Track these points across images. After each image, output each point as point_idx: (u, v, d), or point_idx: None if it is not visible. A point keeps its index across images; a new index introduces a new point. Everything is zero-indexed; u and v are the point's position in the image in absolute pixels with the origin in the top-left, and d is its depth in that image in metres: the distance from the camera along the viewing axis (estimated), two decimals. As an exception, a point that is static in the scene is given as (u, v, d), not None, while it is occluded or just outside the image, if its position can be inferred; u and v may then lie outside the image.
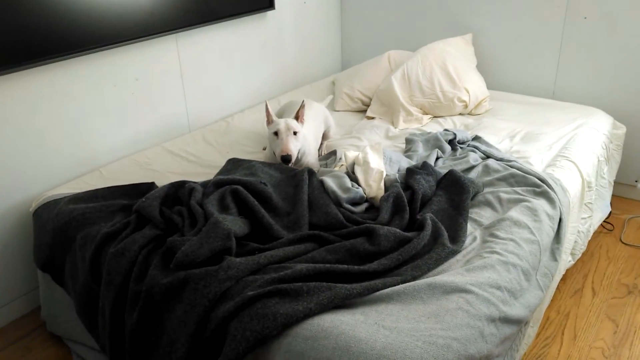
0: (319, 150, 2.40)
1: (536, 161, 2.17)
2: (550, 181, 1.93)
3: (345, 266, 1.47)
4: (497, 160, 2.12)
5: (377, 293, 1.40)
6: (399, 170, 2.05)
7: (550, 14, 2.85)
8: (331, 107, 2.97)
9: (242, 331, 1.30)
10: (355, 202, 1.84)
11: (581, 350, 1.94)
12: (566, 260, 2.08)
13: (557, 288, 2.19)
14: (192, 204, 1.74)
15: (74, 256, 1.80)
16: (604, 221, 2.61)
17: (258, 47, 3.03)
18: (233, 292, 1.41)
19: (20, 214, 2.13)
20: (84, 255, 1.74)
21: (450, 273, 1.48)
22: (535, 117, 2.63)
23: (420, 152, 2.24)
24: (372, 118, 2.82)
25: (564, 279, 2.26)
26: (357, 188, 1.86)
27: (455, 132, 2.36)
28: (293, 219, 1.72)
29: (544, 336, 2.00)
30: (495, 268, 1.50)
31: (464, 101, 2.72)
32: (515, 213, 1.75)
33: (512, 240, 1.62)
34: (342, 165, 2.09)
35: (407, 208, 1.75)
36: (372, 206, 1.86)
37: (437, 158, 2.18)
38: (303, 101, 2.14)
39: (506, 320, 1.40)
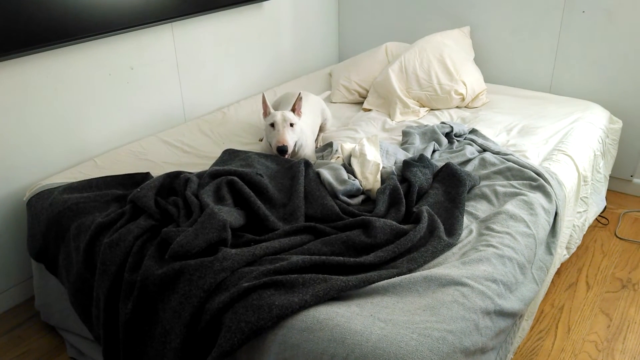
0: (315, 142, 2.39)
1: (533, 155, 2.17)
2: (546, 175, 1.93)
3: (341, 258, 1.47)
4: (493, 153, 2.12)
5: (373, 285, 1.39)
6: (395, 163, 2.05)
7: (548, 7, 2.84)
8: (328, 99, 2.96)
9: (237, 322, 1.30)
10: (352, 194, 1.83)
11: (575, 344, 1.95)
12: (561, 254, 2.09)
13: (552, 282, 2.19)
14: (187, 195, 1.73)
15: (68, 246, 1.79)
16: (599, 215, 2.62)
17: (255, 37, 3.01)
18: (228, 283, 1.40)
19: (14, 203, 2.11)
20: (78, 245, 1.73)
21: (446, 266, 1.48)
22: (532, 111, 2.63)
23: (417, 144, 2.24)
24: (369, 110, 2.81)
25: (558, 272, 2.27)
26: (353, 180, 1.85)
27: (452, 125, 2.35)
28: (289, 211, 1.72)
29: (538, 329, 2.01)
30: (491, 261, 1.50)
31: (461, 94, 2.71)
32: (511, 206, 1.75)
33: (508, 233, 1.62)
34: (338, 157, 2.09)
35: (404, 201, 1.75)
36: (369, 198, 1.85)
37: (434, 151, 2.17)
38: (300, 93, 2.13)
39: (501, 313, 1.40)
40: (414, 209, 1.71)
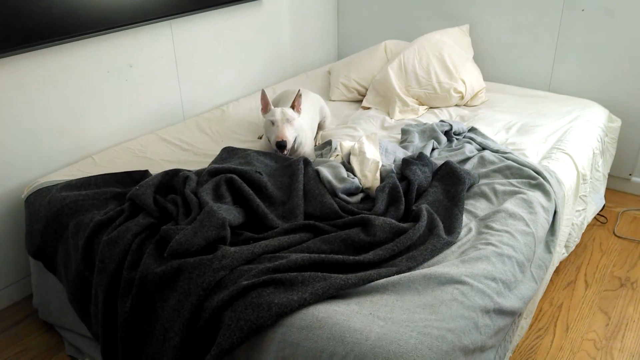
0: (314, 140, 2.39)
1: (532, 153, 2.17)
2: (545, 173, 1.92)
3: (341, 256, 1.47)
4: (492, 152, 2.12)
5: (372, 283, 1.39)
6: (394, 161, 2.05)
7: (548, 6, 2.84)
8: (327, 96, 2.96)
9: (236, 321, 1.30)
10: (351, 193, 1.83)
11: (573, 342, 1.95)
12: (560, 252, 2.09)
13: (550, 280, 2.20)
14: (186, 193, 1.72)
15: (66, 244, 1.79)
16: (598, 214, 2.62)
17: (253, 35, 3.01)
18: (227, 282, 1.40)
19: (12, 200, 2.11)
20: (76, 243, 1.72)
21: (445, 264, 1.48)
22: (531, 109, 2.63)
23: (416, 142, 2.23)
24: (368, 108, 2.80)
25: (557, 271, 2.27)
26: (352, 178, 1.85)
27: (451, 123, 2.35)
28: (288, 209, 1.72)
29: (536, 327, 2.01)
30: (490, 260, 1.50)
31: (460, 92, 2.71)
32: (510, 205, 1.75)
33: (507, 232, 1.62)
34: (337, 155, 2.08)
35: (403, 199, 1.74)
36: (368, 196, 1.85)
37: (433, 149, 2.17)
38: (299, 90, 2.12)
39: (500, 311, 1.40)
40: (414, 207, 1.71)
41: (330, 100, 2.94)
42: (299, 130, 2.10)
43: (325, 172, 1.86)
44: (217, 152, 2.16)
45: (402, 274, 1.42)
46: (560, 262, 2.25)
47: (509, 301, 1.44)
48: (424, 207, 1.68)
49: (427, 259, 1.52)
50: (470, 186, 1.88)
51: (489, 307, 1.36)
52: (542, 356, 1.89)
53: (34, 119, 2.10)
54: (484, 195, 1.85)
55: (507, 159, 2.04)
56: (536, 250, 1.67)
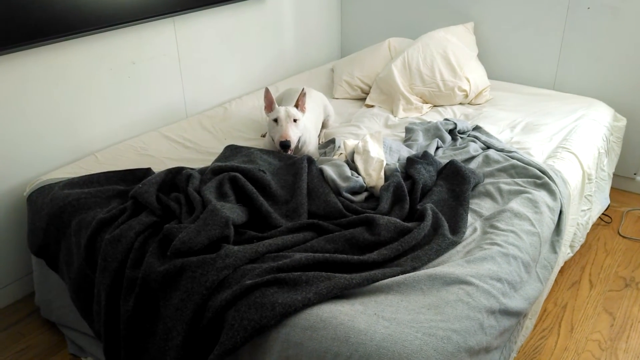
0: (317, 139, 2.38)
1: (537, 152, 2.15)
2: (551, 173, 1.91)
3: (345, 256, 1.46)
4: (497, 150, 2.10)
5: (377, 283, 1.38)
6: (399, 160, 2.03)
7: (553, 4, 2.82)
8: (330, 94, 2.94)
9: (239, 320, 1.29)
10: (355, 192, 1.82)
11: (578, 343, 1.94)
12: (565, 252, 2.07)
13: (555, 280, 2.18)
14: (189, 191, 1.71)
15: (68, 242, 1.78)
16: (602, 214, 2.60)
17: (257, 32, 2.99)
18: (231, 281, 1.39)
19: (14, 198, 2.10)
20: (79, 241, 1.71)
21: (450, 264, 1.47)
22: (536, 108, 2.61)
23: (421, 141, 2.22)
24: (372, 106, 2.79)
25: (561, 271, 2.26)
26: (356, 177, 1.84)
27: (455, 121, 2.34)
28: (292, 207, 1.70)
29: (541, 328, 2.00)
30: (496, 260, 1.48)
31: (465, 90, 2.70)
32: (515, 204, 1.73)
33: (512, 231, 1.60)
34: (341, 153, 2.07)
35: (408, 198, 1.73)
36: (372, 195, 1.84)
37: (437, 148, 2.16)
38: (303, 89, 2.11)
39: (506, 312, 1.39)
40: (418, 207, 1.70)
41: (334, 98, 2.93)
42: (303, 130, 2.08)
43: (329, 170, 1.85)
44: (220, 150, 2.15)
45: (407, 274, 1.41)
46: (565, 262, 2.23)
47: (515, 302, 1.43)
48: (429, 207, 1.66)
49: (432, 259, 1.51)
50: (475, 185, 1.87)
51: (494, 307, 1.35)
52: (546, 357, 1.88)
53: (36, 116, 2.09)
54: (489, 195, 1.83)
55: (512, 158, 2.02)
56: (542, 251, 1.66)
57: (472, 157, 2.07)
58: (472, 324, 1.28)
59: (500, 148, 2.12)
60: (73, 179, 1.94)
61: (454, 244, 1.57)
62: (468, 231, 1.65)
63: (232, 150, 2.08)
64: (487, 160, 2.03)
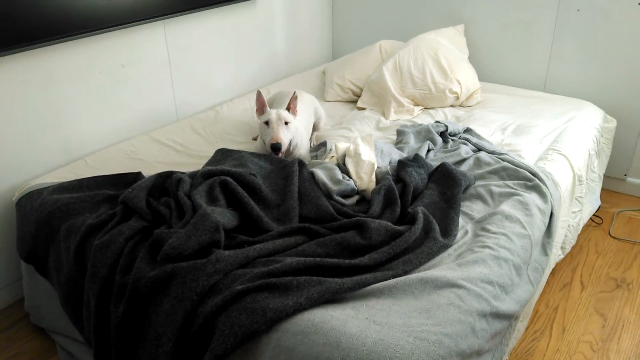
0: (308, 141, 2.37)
1: (527, 154, 2.16)
2: (541, 175, 1.92)
3: (336, 260, 1.45)
4: (488, 153, 2.11)
5: (368, 288, 1.38)
6: (390, 163, 2.03)
7: (543, 6, 2.83)
8: (321, 97, 2.94)
9: (230, 326, 1.28)
10: (346, 195, 1.81)
11: (570, 344, 1.94)
12: (556, 254, 2.08)
13: (546, 282, 2.19)
14: (179, 195, 1.70)
15: (58, 247, 1.76)
16: (593, 215, 2.61)
17: (248, 35, 2.98)
18: (221, 286, 1.38)
19: (3, 203, 2.08)
20: (68, 246, 1.70)
21: (441, 267, 1.47)
22: (527, 110, 2.62)
23: (412, 144, 2.22)
24: (363, 109, 2.79)
25: (552, 272, 2.27)
26: (348, 180, 1.84)
27: (446, 124, 2.34)
28: (283, 211, 1.70)
29: (532, 330, 2.00)
30: (487, 263, 1.48)
31: (456, 93, 2.70)
32: (506, 207, 1.73)
33: (503, 234, 1.61)
34: (332, 156, 2.07)
35: (399, 201, 1.73)
36: (363, 199, 1.84)
37: (429, 150, 2.16)
38: (295, 92, 2.10)
39: (497, 315, 1.39)
40: (409, 210, 1.70)
41: (325, 100, 2.93)
42: (295, 133, 2.08)
43: (320, 174, 1.84)
44: (211, 154, 2.14)
45: (398, 278, 1.41)
46: (556, 264, 2.24)
47: (506, 305, 1.43)
48: (420, 210, 1.66)
49: (423, 262, 1.51)
50: (466, 188, 1.87)
51: (485, 311, 1.35)
52: (538, 359, 1.89)
53: (25, 120, 2.07)
54: (480, 197, 1.84)
55: (503, 160, 2.03)
56: (533, 253, 1.66)
57: (463, 160, 2.07)
58: (464, 327, 1.28)
59: (491, 150, 2.12)
60: (62, 183, 1.92)
61: (445, 247, 1.57)
62: (459, 234, 1.65)
63: (223, 154, 2.08)
64: (478, 163, 2.04)
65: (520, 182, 1.89)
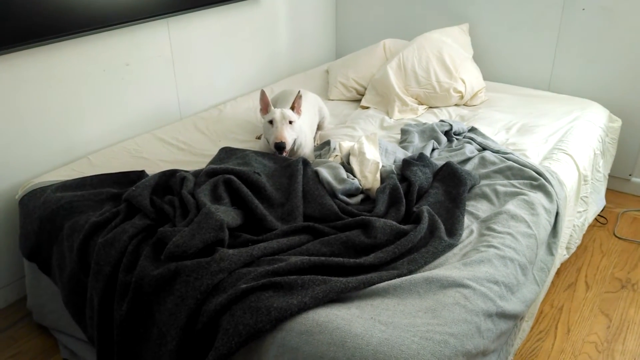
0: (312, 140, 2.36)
1: (532, 154, 2.15)
2: (547, 174, 1.91)
3: (341, 259, 1.44)
4: (493, 152, 2.10)
5: (373, 287, 1.37)
6: (395, 162, 2.02)
7: (548, 5, 2.82)
8: (325, 96, 2.93)
9: (234, 325, 1.27)
10: (351, 194, 1.80)
11: (575, 345, 1.93)
12: (561, 254, 2.07)
13: (551, 282, 2.17)
14: (183, 194, 1.70)
15: (61, 245, 1.76)
16: (598, 215, 2.60)
17: (251, 33, 2.98)
18: (225, 285, 1.37)
19: (6, 201, 2.07)
20: (71, 244, 1.69)
21: (447, 267, 1.46)
22: (532, 109, 2.61)
23: (416, 143, 2.21)
24: (367, 108, 2.78)
25: (557, 272, 2.25)
26: (352, 179, 1.83)
27: (451, 123, 2.33)
28: (287, 210, 1.69)
29: (537, 330, 1.99)
30: (493, 262, 1.47)
31: (460, 92, 2.69)
32: (512, 206, 1.72)
33: (509, 234, 1.60)
34: (336, 155, 2.06)
35: (404, 200, 1.72)
36: (368, 198, 1.83)
37: (433, 149, 2.15)
38: (299, 92, 2.09)
39: (503, 315, 1.38)
40: (414, 209, 1.69)
41: (329, 99, 2.92)
42: (299, 132, 2.07)
43: (325, 173, 1.84)
44: (215, 152, 2.13)
45: (404, 277, 1.40)
46: (561, 264, 2.23)
47: (512, 305, 1.42)
48: (425, 209, 1.65)
49: (428, 262, 1.50)
50: (471, 187, 1.86)
51: (491, 311, 1.34)
52: (543, 359, 1.88)
53: (29, 118, 2.07)
54: (485, 197, 1.82)
55: (508, 159, 2.02)
56: (538, 253, 1.65)
57: (468, 159, 2.06)
58: (470, 327, 1.27)
59: (496, 149, 2.11)
60: (66, 181, 1.92)
61: (451, 246, 1.56)
62: (464, 233, 1.64)
63: (226, 153, 2.07)
64: (483, 162, 2.03)
65: (525, 181, 1.88)
